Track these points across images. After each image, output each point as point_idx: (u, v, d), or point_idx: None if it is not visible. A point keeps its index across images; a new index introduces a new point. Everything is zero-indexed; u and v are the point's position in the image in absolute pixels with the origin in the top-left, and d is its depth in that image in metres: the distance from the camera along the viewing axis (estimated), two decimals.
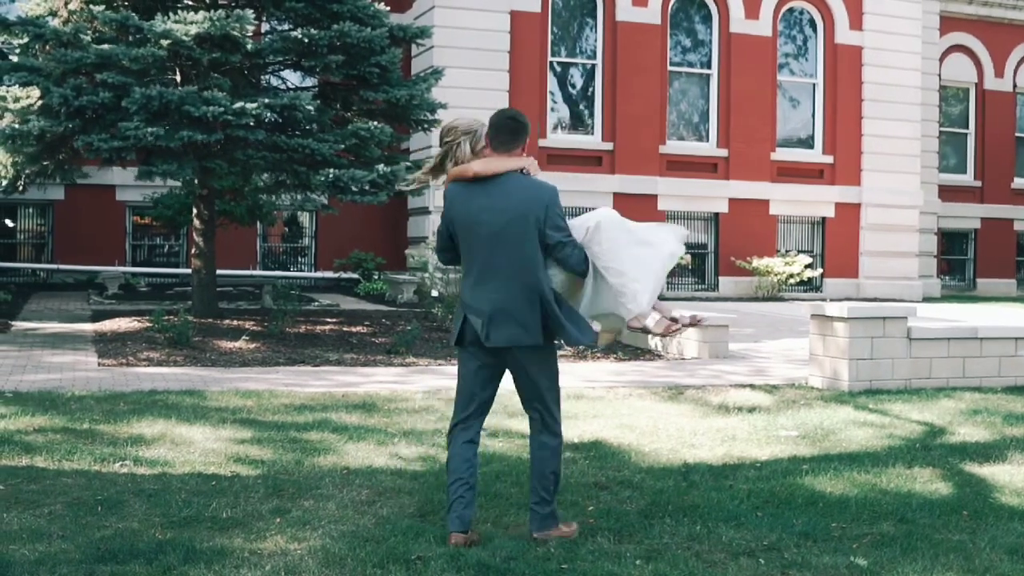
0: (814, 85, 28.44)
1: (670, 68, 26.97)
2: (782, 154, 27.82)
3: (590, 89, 26.56)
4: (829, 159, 28.19)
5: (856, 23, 28.22)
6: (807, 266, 26.43)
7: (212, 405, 9.92)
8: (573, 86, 26.79)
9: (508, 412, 9.37)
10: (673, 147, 26.90)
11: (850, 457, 8.59)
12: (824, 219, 28.31)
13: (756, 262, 26.46)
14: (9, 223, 25.33)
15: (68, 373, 11.74)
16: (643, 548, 6.06)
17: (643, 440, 9.11)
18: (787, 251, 27.40)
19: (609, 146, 26.02)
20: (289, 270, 26.51)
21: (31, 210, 25.17)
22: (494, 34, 24.79)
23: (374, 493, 7.08)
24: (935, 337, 12.42)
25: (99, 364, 12.67)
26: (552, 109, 26.08)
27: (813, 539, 6.31)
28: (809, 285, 27.43)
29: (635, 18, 26.22)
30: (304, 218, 26.74)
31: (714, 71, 27.36)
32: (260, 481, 7.26)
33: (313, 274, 26.21)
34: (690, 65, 27.49)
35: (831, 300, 23.56)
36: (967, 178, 34.38)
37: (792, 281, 26.38)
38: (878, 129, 28.34)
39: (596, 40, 26.46)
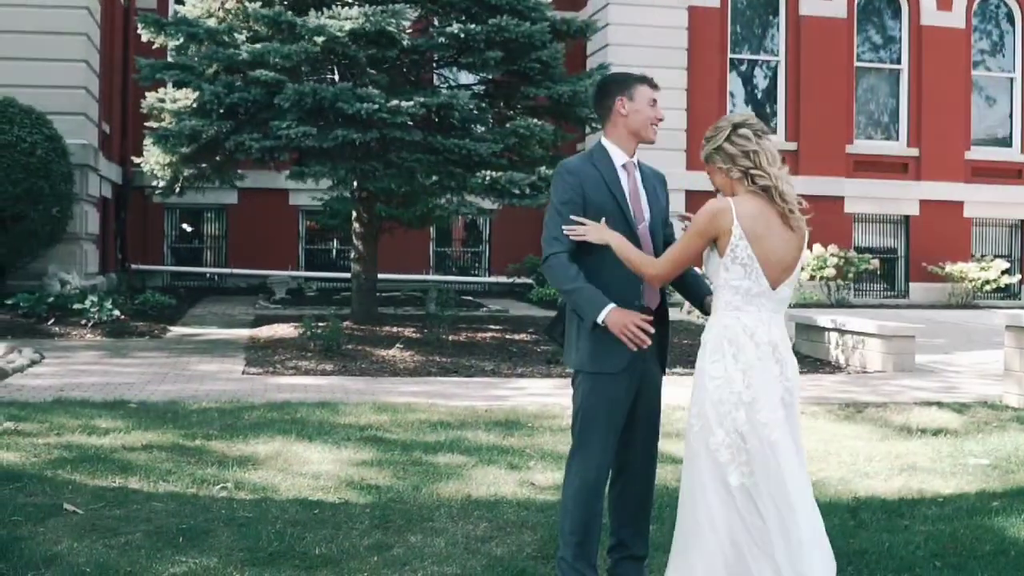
0: (1011, 80, 26.69)
1: (857, 64, 25.67)
2: (977, 153, 26.18)
3: (772, 87, 25.43)
4: None
5: None
6: (1004, 272, 24.68)
7: (341, 420, 9.27)
8: (754, 84, 25.70)
9: (664, 432, 8.48)
10: (861, 147, 25.59)
11: None
12: (1022, 222, 26.53)
13: (949, 267, 24.89)
14: (187, 228, 25.42)
15: (207, 383, 11.29)
16: None
17: (811, 467, 8.06)
18: (982, 256, 25.67)
19: (793, 146, 24.77)
20: (468, 275, 26.00)
21: (210, 214, 25.18)
22: (671, 31, 23.91)
23: (493, 527, 6.28)
24: None
25: (243, 373, 12.24)
26: (732, 109, 24.97)
27: None
28: (1006, 292, 25.63)
29: (820, 12, 25.00)
30: (480, 221, 26.15)
31: (904, 66, 25.91)
32: (367, 511, 6.52)
33: (487, 279, 25.64)
34: (879, 61, 26.10)
35: None
36: None
37: (988, 288, 24.71)
38: None
39: (778, 36, 25.35)
